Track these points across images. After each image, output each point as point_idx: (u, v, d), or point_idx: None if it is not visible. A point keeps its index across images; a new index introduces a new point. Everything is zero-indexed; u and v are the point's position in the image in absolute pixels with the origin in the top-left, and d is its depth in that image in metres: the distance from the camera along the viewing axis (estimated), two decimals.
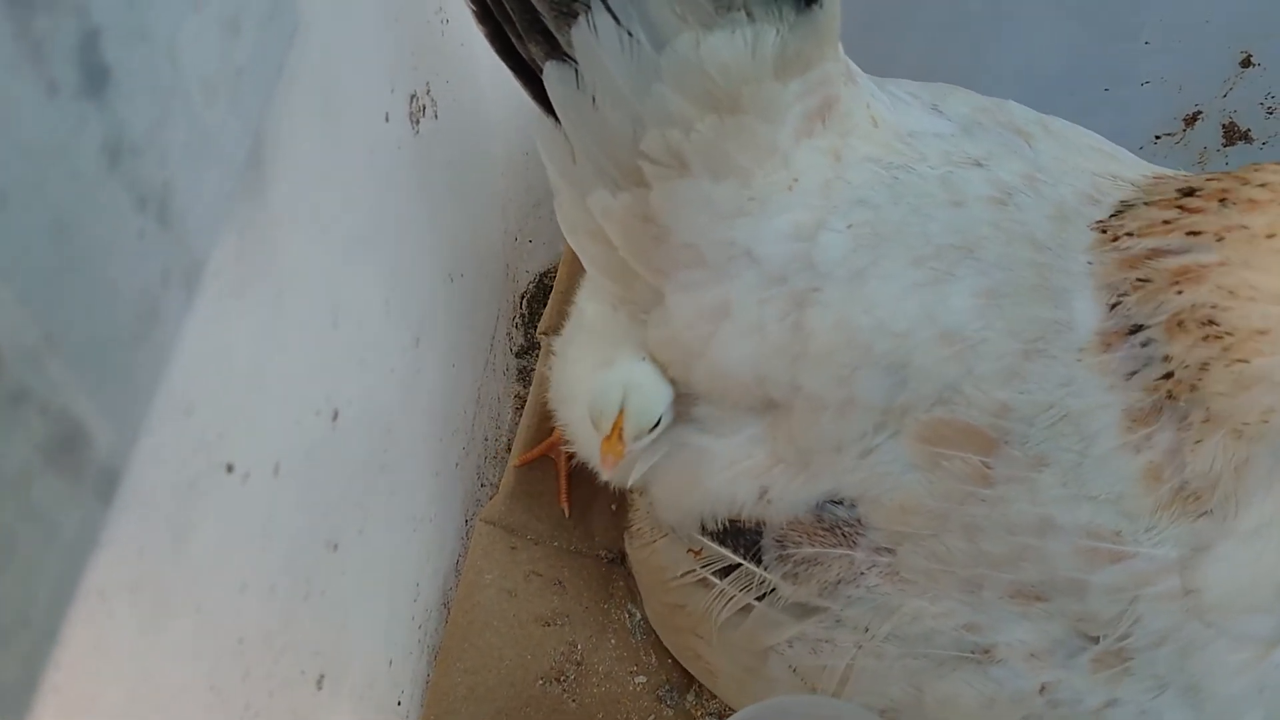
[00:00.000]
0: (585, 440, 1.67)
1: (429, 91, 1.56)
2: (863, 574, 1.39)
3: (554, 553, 1.88)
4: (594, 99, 1.35)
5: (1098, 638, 1.30)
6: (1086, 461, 1.27)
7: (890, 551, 1.37)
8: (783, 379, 1.43)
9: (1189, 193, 1.31)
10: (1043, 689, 1.33)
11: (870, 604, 1.39)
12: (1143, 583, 1.27)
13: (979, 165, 1.44)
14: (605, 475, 1.54)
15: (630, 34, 1.29)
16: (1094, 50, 1.94)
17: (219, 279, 1.01)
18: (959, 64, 1.89)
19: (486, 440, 2.02)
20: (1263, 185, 1.24)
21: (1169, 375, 1.24)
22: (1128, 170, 1.46)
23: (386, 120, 1.43)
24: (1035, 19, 1.91)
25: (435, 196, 1.63)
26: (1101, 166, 1.47)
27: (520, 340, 2.18)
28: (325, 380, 1.25)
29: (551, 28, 1.32)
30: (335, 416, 1.27)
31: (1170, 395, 1.24)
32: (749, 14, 1.29)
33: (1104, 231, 1.35)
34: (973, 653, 1.35)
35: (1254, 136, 2.03)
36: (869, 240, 1.39)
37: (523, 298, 2.22)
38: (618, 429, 1.50)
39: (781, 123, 1.38)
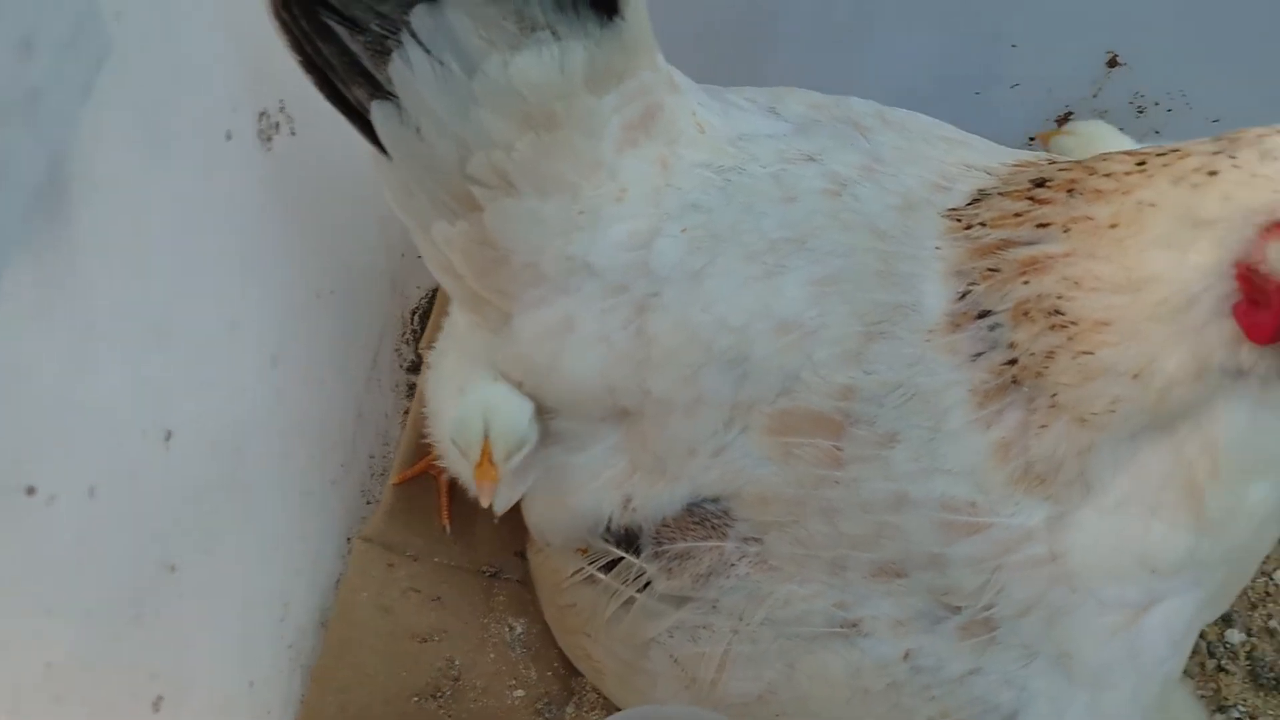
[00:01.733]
0: (457, 457, 1.67)
1: (283, 109, 1.55)
2: (733, 564, 1.43)
3: (433, 568, 1.88)
4: (418, 130, 1.37)
5: (960, 608, 1.33)
6: (939, 436, 1.31)
7: (758, 541, 1.41)
8: (631, 386, 1.46)
9: (1041, 183, 1.33)
10: (906, 655, 1.36)
11: (743, 592, 1.42)
12: (1004, 551, 1.30)
13: (812, 160, 1.47)
14: (484, 501, 1.54)
15: (442, 63, 1.32)
16: (962, 55, 1.96)
17: (12, 301, 1.00)
18: (829, 74, 1.89)
19: (372, 457, 2.01)
20: (1108, 175, 1.26)
21: (1013, 361, 1.27)
22: (983, 158, 1.49)
23: (228, 139, 1.42)
24: (902, 26, 1.94)
25: (295, 213, 1.62)
26: (951, 155, 1.50)
27: (411, 356, 2.18)
28: (153, 402, 1.25)
29: (370, 68, 1.35)
30: (168, 438, 1.27)
31: (1015, 380, 1.27)
32: (553, 32, 1.32)
33: (958, 220, 1.38)
34: (841, 627, 1.38)
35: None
36: (704, 242, 1.42)
37: (414, 313, 2.21)
38: (487, 454, 1.51)
39: (601, 135, 1.41)
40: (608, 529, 1.53)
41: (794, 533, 1.38)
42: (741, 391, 1.39)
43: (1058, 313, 1.24)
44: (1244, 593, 1.99)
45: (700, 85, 1.58)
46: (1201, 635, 1.94)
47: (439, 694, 1.75)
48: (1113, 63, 1.99)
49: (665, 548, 1.48)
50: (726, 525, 1.44)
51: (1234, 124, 1.98)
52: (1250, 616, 1.98)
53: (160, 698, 1.28)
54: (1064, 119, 2.05)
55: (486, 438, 1.51)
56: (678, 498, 1.46)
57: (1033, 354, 1.26)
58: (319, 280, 1.73)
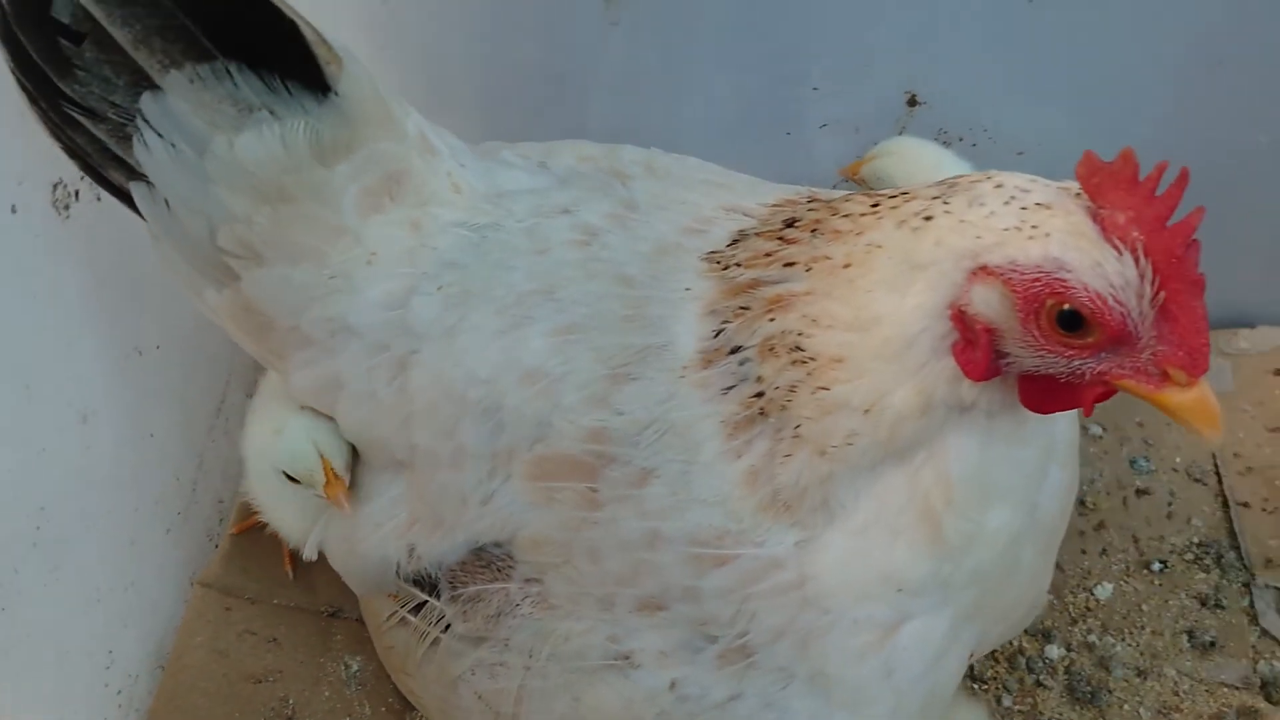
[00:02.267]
0: (270, 506, 1.78)
1: (84, 177, 1.62)
2: (518, 604, 1.47)
3: (272, 610, 1.94)
4: (169, 207, 1.47)
5: (717, 637, 1.37)
6: (693, 468, 1.35)
7: (539, 581, 1.46)
8: (400, 440, 1.53)
9: (791, 223, 1.38)
10: (672, 685, 1.40)
11: (529, 630, 1.47)
12: (752, 580, 1.34)
13: (566, 212, 1.53)
14: (347, 511, 1.60)
15: (174, 145, 1.41)
16: (768, 99, 2.04)
17: None
18: (644, 121, 1.98)
19: (221, 502, 2.08)
20: (846, 216, 1.30)
21: (761, 394, 1.31)
22: (745, 199, 1.54)
23: (13, 212, 1.49)
24: (709, 73, 2.01)
25: (102, 277, 1.70)
26: (711, 198, 1.55)
27: None
28: None
29: (119, 152, 1.44)
30: None
31: (763, 411, 1.31)
32: (271, 112, 1.40)
33: (717, 261, 1.43)
34: (615, 660, 1.42)
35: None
36: (458, 299, 1.49)
37: None
38: (329, 471, 1.60)
39: (339, 204, 1.48)
40: (398, 574, 1.58)
41: (567, 573, 1.43)
42: (499, 441, 1.44)
43: (799, 349, 1.28)
44: (1064, 608, 2.07)
45: (482, 143, 1.68)
46: (1020, 651, 2.01)
47: None
48: (913, 102, 2.06)
49: (459, 591, 1.52)
50: (510, 568, 1.48)
51: (1038, 153, 2.09)
52: (1070, 631, 2.04)
53: None
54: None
55: (323, 457, 1.60)
56: (457, 545, 1.51)
57: (778, 388, 1.30)
58: (137, 338, 1.80)
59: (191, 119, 1.40)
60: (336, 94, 1.41)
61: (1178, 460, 2.26)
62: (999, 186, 1.17)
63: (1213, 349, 2.36)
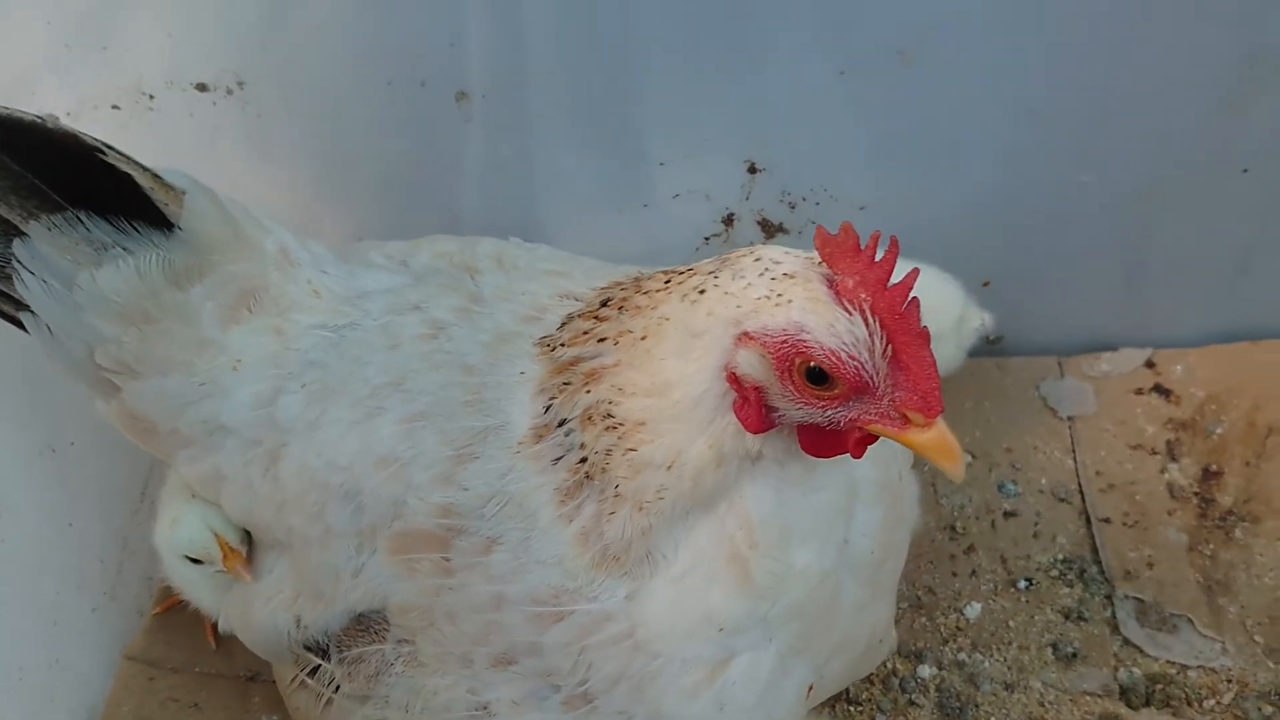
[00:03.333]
0: (184, 587, 1.97)
1: None
2: (392, 664, 1.62)
3: (193, 678, 2.11)
4: (51, 332, 1.66)
5: (560, 686, 1.51)
6: (532, 534, 1.49)
7: (410, 642, 1.60)
8: (278, 523, 1.69)
9: (605, 303, 1.52)
10: None
11: (404, 687, 1.61)
12: (587, 633, 1.48)
13: (417, 309, 1.70)
14: (247, 578, 1.79)
15: (46, 281, 1.61)
16: (622, 176, 2.21)
17: None
18: (510, 207, 2.18)
19: (150, 579, 2.24)
20: (645, 293, 1.44)
21: (584, 460, 1.45)
22: (579, 284, 1.70)
23: None
24: (563, 158, 2.18)
25: (8, 376, 1.88)
26: (549, 287, 1.71)
27: None
28: None
29: (5, 289, 1.65)
30: None
31: (588, 475, 1.45)
32: (124, 248, 1.60)
33: (548, 345, 1.57)
34: (477, 711, 1.56)
35: (788, 227, 2.29)
36: (320, 394, 1.65)
37: None
38: (225, 546, 1.81)
39: (198, 320, 1.67)
40: (290, 642, 1.74)
41: (432, 634, 1.57)
42: (362, 520, 1.60)
43: (610, 415, 1.42)
44: (936, 629, 2.20)
45: (360, 241, 1.89)
46: (893, 673, 2.13)
47: None
48: (753, 169, 2.22)
49: (345, 654, 1.67)
50: (385, 631, 1.63)
51: (879, 207, 2.25)
52: (941, 651, 2.16)
53: None
54: (729, 220, 2.28)
55: (218, 535, 1.81)
56: (338, 614, 1.66)
57: (597, 452, 1.44)
58: (50, 436, 1.98)
59: (57, 259, 1.60)
60: (181, 229, 1.60)
61: (1043, 482, 2.40)
62: (757, 260, 1.32)
63: (1076, 373, 2.54)
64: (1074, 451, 2.44)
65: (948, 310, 2.20)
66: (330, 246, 1.89)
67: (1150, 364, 2.54)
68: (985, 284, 2.35)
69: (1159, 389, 2.50)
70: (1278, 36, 1.98)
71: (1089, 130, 2.15)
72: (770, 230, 2.28)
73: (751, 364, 1.30)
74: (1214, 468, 2.38)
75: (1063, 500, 2.37)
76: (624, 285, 1.53)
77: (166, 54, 2.06)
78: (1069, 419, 2.50)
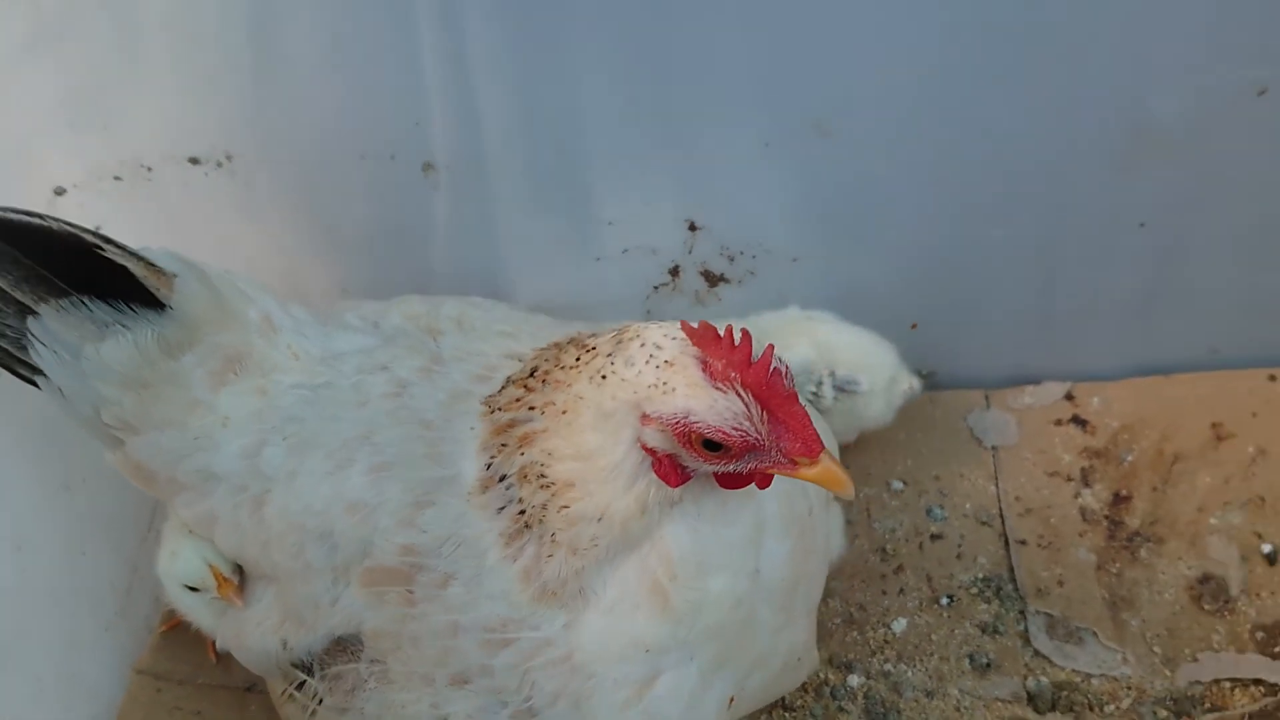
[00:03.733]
0: (186, 610, 2.20)
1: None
2: (365, 680, 1.84)
3: (196, 689, 2.36)
4: (63, 394, 1.90)
5: (508, 702, 1.73)
6: (483, 571, 1.70)
7: (382, 662, 1.82)
8: (264, 559, 1.92)
9: (532, 373, 1.73)
10: None
11: (376, 702, 1.83)
12: (531, 656, 1.69)
13: (384, 369, 1.92)
14: (239, 603, 2.02)
15: (56, 352, 1.85)
16: (574, 234, 2.43)
17: None
18: (477, 265, 2.41)
19: (158, 600, 2.48)
20: (562, 368, 1.64)
21: (524, 512, 1.66)
22: (524, 346, 1.91)
23: None
24: (522, 220, 2.39)
25: (21, 418, 2.12)
26: (499, 348, 1.93)
27: None
28: None
29: (22, 357, 1.88)
30: None
31: (528, 524, 1.66)
32: (122, 325, 1.84)
33: (490, 406, 1.78)
34: None
35: (729, 278, 2.50)
36: (298, 447, 1.88)
37: None
38: (219, 576, 2.04)
39: (189, 384, 1.90)
40: (278, 661, 1.96)
41: (399, 656, 1.79)
42: (336, 557, 1.82)
43: (543, 475, 1.63)
44: (865, 642, 2.41)
45: (338, 302, 2.12)
46: (825, 682, 2.35)
47: None
48: (693, 227, 2.44)
49: (326, 671, 1.90)
50: (360, 651, 1.85)
51: (811, 258, 2.47)
52: (870, 662, 2.38)
53: None
54: (675, 271, 2.50)
55: (212, 566, 2.04)
56: (319, 637, 1.88)
57: (534, 506, 1.65)
58: (65, 475, 2.23)
59: (65, 334, 1.84)
60: (171, 308, 1.84)
61: (968, 507, 2.60)
62: (643, 345, 1.51)
63: (1001, 405, 2.73)
64: (996, 479, 2.63)
65: (881, 372, 2.45)
66: (315, 300, 2.13)
67: (1070, 396, 2.74)
68: (913, 326, 2.56)
69: (1076, 419, 2.70)
70: (1158, 112, 2.19)
71: (998, 189, 2.35)
72: (713, 280, 2.50)
73: (657, 439, 1.51)
74: (1124, 493, 2.58)
75: (984, 524, 2.57)
76: (547, 356, 1.73)
77: (161, 132, 2.30)
78: (993, 448, 2.69)
